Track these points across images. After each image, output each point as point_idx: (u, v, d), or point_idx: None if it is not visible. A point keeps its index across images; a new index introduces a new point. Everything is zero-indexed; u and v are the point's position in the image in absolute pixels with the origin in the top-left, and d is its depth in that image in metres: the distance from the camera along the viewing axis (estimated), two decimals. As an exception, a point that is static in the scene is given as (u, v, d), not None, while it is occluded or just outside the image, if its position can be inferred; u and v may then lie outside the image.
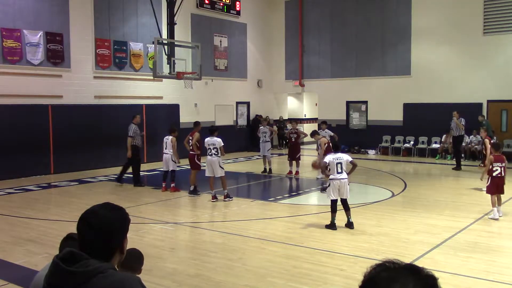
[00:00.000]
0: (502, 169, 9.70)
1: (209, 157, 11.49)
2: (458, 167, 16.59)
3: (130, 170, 13.86)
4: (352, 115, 22.78)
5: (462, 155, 18.69)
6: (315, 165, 11.69)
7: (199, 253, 7.53)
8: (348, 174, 8.96)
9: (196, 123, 12.83)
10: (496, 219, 9.43)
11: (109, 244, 2.04)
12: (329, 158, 8.93)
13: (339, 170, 8.81)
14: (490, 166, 9.72)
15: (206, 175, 11.62)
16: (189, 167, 12.68)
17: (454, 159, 17.23)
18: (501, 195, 9.79)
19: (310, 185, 14.03)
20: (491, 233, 8.64)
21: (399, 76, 21.15)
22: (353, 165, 9.07)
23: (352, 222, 8.83)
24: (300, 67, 24.18)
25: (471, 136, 18.91)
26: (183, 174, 14.05)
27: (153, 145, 18.28)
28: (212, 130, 11.85)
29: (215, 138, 11.49)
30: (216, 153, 11.42)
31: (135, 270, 3.25)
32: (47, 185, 13.97)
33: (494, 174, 9.66)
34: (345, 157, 8.95)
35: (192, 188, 12.21)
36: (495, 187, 9.67)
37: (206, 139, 11.60)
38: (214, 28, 22.03)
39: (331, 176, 8.83)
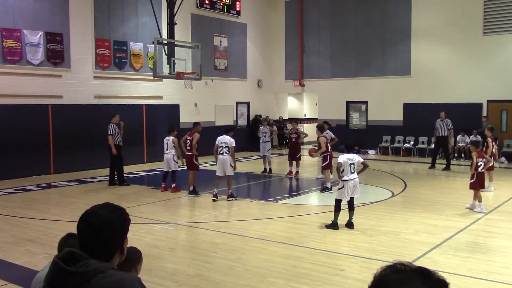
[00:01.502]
0: (484, 164, 10.31)
1: (220, 156, 11.50)
2: (433, 166, 16.77)
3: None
4: (352, 115, 22.78)
5: (444, 154, 18.52)
6: (312, 152, 11.94)
7: (199, 253, 7.53)
8: (358, 173, 8.95)
9: (196, 124, 12.82)
10: (484, 213, 9.90)
11: (109, 244, 2.04)
12: (342, 158, 8.84)
13: (352, 171, 8.81)
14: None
15: (217, 174, 11.63)
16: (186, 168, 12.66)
17: (445, 159, 17.12)
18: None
19: (310, 185, 14.03)
20: (491, 233, 8.63)
21: (399, 76, 21.15)
22: (364, 165, 9.01)
23: (352, 223, 8.83)
24: (300, 67, 24.19)
25: (471, 136, 18.90)
26: (184, 174, 14.04)
27: (153, 145, 18.30)
28: (227, 129, 11.92)
29: (228, 137, 11.53)
30: (227, 151, 11.46)
31: (133, 270, 3.25)
32: (47, 185, 13.97)
33: (479, 169, 10.21)
34: (357, 158, 8.94)
35: (191, 188, 12.21)
36: (480, 183, 10.25)
37: (219, 138, 11.64)
38: (214, 28, 22.03)
39: (344, 178, 8.75)
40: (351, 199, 8.87)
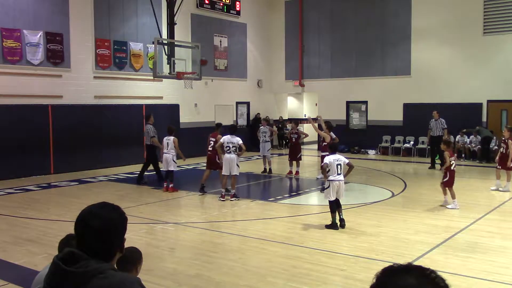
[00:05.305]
0: (455, 162, 10.86)
1: (227, 154, 11.51)
2: (432, 166, 16.85)
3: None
4: (352, 115, 22.78)
5: (438, 154, 18.63)
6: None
7: (199, 253, 7.53)
8: (344, 176, 9.01)
9: (219, 125, 12.88)
10: (457, 209, 10.28)
11: (108, 244, 2.03)
12: (329, 159, 8.98)
13: (339, 172, 8.88)
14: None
15: (223, 173, 11.63)
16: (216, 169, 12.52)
17: (430, 158, 17.33)
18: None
19: (310, 185, 14.04)
20: (491, 233, 8.63)
21: (399, 76, 21.15)
22: (350, 166, 9.14)
23: (343, 219, 8.89)
24: (300, 67, 24.18)
25: (471, 136, 18.91)
26: (183, 175, 14.06)
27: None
28: (232, 129, 11.92)
29: (234, 137, 11.57)
30: (234, 150, 11.49)
31: (134, 270, 3.25)
32: (47, 185, 13.97)
33: (452, 168, 10.58)
34: (342, 159, 9.04)
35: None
36: (452, 180, 10.57)
37: (224, 137, 11.64)
38: (214, 28, 22.03)
39: (330, 177, 8.86)
40: (337, 199, 8.93)
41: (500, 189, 12.42)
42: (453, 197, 10.50)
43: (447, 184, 10.61)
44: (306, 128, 24.51)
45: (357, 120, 22.61)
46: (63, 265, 1.90)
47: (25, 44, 15.32)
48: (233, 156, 11.49)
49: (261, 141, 16.10)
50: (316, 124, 13.92)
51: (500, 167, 12.67)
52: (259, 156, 17.69)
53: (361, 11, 22.09)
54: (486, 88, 18.94)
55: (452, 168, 10.59)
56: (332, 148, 9.43)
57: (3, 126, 14.61)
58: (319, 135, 13.57)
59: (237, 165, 11.55)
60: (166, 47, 17.12)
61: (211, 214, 10.30)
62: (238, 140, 11.52)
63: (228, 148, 11.52)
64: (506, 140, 12.56)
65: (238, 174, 11.70)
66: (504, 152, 12.59)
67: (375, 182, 14.10)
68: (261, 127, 16.53)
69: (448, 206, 10.46)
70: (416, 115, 20.33)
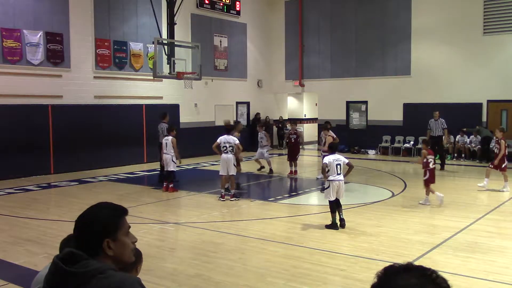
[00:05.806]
0: (433, 160, 11.08)
1: (224, 154, 11.51)
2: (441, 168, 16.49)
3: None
4: (352, 115, 22.78)
5: (438, 154, 18.67)
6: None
7: (199, 253, 7.53)
8: (344, 176, 9.01)
9: (237, 123, 12.78)
10: (428, 205, 10.64)
11: (93, 242, 2.01)
12: (328, 159, 8.97)
13: (339, 172, 8.88)
14: (425, 160, 10.87)
15: (220, 173, 11.65)
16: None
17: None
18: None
19: (310, 185, 14.04)
20: (491, 233, 8.63)
21: (399, 76, 21.14)
22: (350, 166, 9.15)
23: (343, 219, 8.89)
24: (300, 67, 24.18)
25: (471, 136, 18.92)
26: (184, 174, 14.05)
27: (153, 145, 18.23)
28: (228, 129, 11.91)
29: (230, 137, 11.58)
30: (231, 150, 11.49)
31: (134, 270, 3.24)
32: (47, 185, 13.97)
33: (430, 166, 10.85)
34: (342, 159, 9.04)
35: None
36: (433, 177, 10.89)
37: (221, 137, 11.64)
38: (214, 28, 22.03)
39: (330, 177, 8.86)
40: (337, 199, 8.93)
41: (500, 189, 12.44)
42: (427, 193, 10.78)
43: (428, 181, 10.84)
44: (306, 128, 24.54)
45: (357, 120, 22.61)
46: (63, 265, 1.90)
47: (25, 44, 15.32)
48: (230, 156, 11.48)
49: (259, 146, 16.20)
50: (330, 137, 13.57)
51: (491, 166, 12.76)
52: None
53: (361, 11, 22.09)
54: (486, 88, 18.94)
55: (431, 166, 10.84)
56: (332, 148, 9.44)
57: (3, 126, 14.61)
58: (319, 137, 13.51)
59: (234, 165, 11.54)
60: (166, 47, 17.11)
61: (211, 214, 10.30)
62: (234, 140, 11.52)
63: (224, 148, 11.52)
64: (499, 140, 12.67)
65: (235, 174, 11.70)
66: (498, 152, 12.70)
67: (375, 182, 14.10)
68: (259, 133, 16.58)
69: (420, 202, 10.78)
70: (416, 115, 20.32)
